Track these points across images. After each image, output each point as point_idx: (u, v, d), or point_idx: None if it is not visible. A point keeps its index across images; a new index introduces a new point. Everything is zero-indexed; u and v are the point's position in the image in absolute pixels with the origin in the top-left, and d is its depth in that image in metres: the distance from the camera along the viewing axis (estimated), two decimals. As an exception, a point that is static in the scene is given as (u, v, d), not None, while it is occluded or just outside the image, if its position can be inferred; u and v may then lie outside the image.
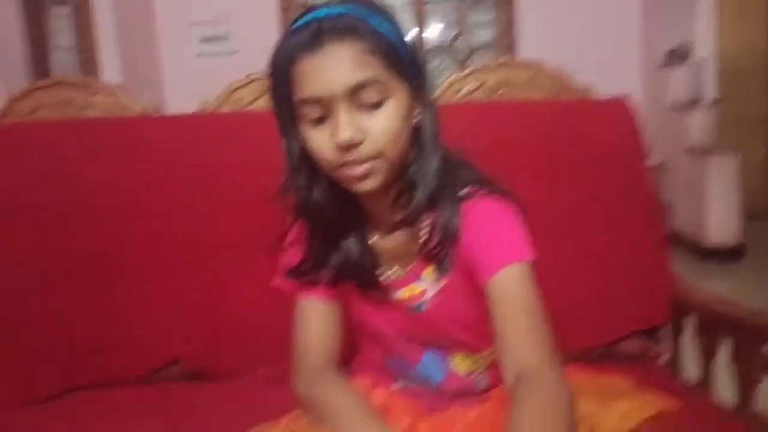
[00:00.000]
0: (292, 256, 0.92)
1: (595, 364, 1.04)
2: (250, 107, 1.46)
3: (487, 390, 0.93)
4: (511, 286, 0.78)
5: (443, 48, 4.79)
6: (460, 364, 0.93)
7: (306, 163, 0.82)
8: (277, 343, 1.12)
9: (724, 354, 1.11)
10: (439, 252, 0.85)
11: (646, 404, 0.81)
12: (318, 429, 0.81)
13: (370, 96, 0.75)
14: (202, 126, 1.38)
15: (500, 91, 1.50)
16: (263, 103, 1.45)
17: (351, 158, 0.76)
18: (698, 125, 4.10)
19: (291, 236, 0.94)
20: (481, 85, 1.50)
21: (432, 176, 0.82)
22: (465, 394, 0.93)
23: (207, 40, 4.51)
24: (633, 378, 0.95)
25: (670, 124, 4.29)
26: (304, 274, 0.90)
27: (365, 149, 0.76)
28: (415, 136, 0.82)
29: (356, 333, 0.99)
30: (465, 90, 1.48)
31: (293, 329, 0.93)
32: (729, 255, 3.89)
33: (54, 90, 1.47)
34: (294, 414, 0.87)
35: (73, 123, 1.40)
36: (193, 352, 1.28)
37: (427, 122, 0.82)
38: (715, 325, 1.14)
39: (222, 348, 1.29)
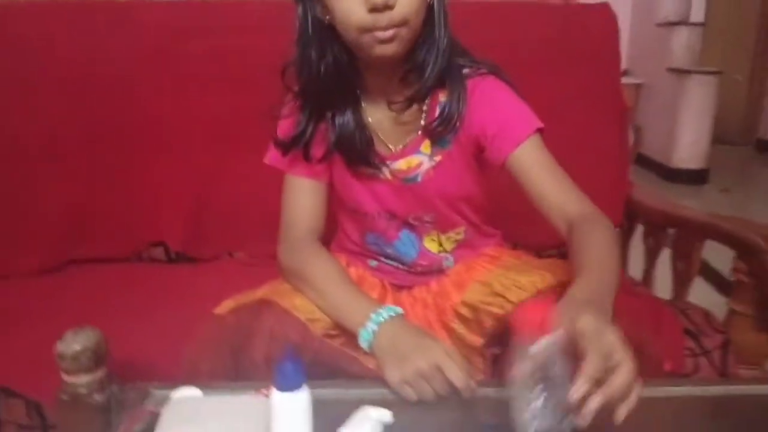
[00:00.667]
0: (287, 130, 0.95)
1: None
2: (239, -5, 1.46)
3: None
4: (538, 154, 0.89)
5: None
6: (431, 244, 1.02)
7: (317, 33, 0.85)
8: (257, 230, 1.20)
9: (666, 254, 1.22)
10: (444, 128, 0.91)
11: (548, 275, 0.86)
12: (297, 295, 0.88)
13: None
14: (193, 12, 1.38)
15: (489, -9, 1.52)
16: (251, -9, 1.46)
17: (382, 21, 0.79)
18: (683, 45, 4.12)
19: (286, 110, 0.96)
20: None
21: (442, 53, 0.87)
22: (433, 271, 1.02)
23: None
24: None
25: (656, 43, 4.30)
26: (300, 146, 0.93)
27: (396, 13, 0.79)
28: (427, 15, 0.86)
29: (338, 212, 1.05)
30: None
31: (281, 204, 0.97)
32: (695, 177, 4.03)
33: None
34: (274, 282, 0.93)
35: (63, 5, 1.39)
36: (177, 236, 1.35)
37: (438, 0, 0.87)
38: (660, 227, 1.25)
39: (204, 233, 1.37)
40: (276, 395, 0.55)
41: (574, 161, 1.37)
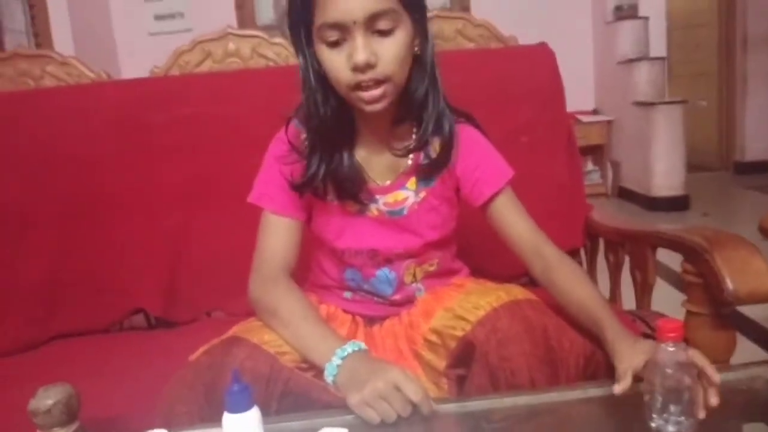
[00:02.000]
0: (276, 172, 0.99)
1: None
2: (197, 70, 1.55)
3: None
4: (513, 200, 1.03)
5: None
6: (407, 277, 1.06)
7: (319, 82, 0.92)
8: (231, 287, 1.24)
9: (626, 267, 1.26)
10: (435, 170, 1.00)
11: (503, 295, 0.91)
12: (267, 331, 0.91)
13: (384, 24, 0.85)
14: (152, 87, 1.47)
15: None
16: (210, 65, 1.56)
17: (365, 78, 0.85)
18: (645, 79, 4.26)
19: (291, 157, 0.99)
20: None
21: (436, 102, 0.96)
22: (405, 302, 1.06)
23: (161, 17, 4.52)
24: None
25: (619, 79, 4.45)
26: (314, 186, 0.98)
27: (379, 72, 0.85)
28: (414, 66, 0.93)
29: (316, 250, 1.09)
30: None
31: (257, 240, 1.00)
32: (675, 204, 4.10)
33: (9, 63, 1.55)
34: (244, 321, 0.97)
35: (30, 92, 1.48)
36: (155, 302, 1.39)
37: (427, 51, 0.94)
38: (618, 243, 1.29)
39: (181, 297, 1.40)
40: (226, 418, 0.57)
41: (531, 190, 1.44)
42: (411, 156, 1.00)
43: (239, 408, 0.58)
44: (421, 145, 0.98)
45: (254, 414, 0.58)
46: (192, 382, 0.84)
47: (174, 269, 1.39)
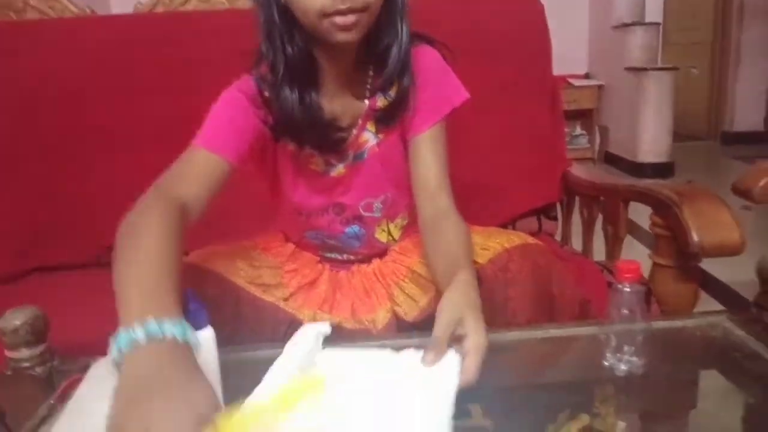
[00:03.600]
0: (227, 117, 0.90)
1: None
2: (182, 8, 1.53)
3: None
4: (440, 140, 0.95)
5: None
6: (381, 235, 1.05)
7: (282, 18, 0.84)
8: (209, 227, 1.25)
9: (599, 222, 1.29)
10: (395, 116, 0.94)
11: (514, 238, 0.93)
12: (217, 254, 0.88)
13: None
14: (134, 25, 1.45)
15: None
16: (194, 4, 1.53)
17: (344, 6, 0.78)
18: (639, 45, 4.24)
19: (236, 94, 0.91)
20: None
21: (404, 44, 0.89)
22: (374, 255, 1.05)
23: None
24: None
25: (613, 43, 4.42)
26: (282, 125, 0.89)
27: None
28: (385, 4, 0.86)
29: (277, 215, 1.06)
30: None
31: (174, 163, 0.89)
32: (660, 171, 4.13)
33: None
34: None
35: (10, 25, 1.46)
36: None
37: None
38: (592, 198, 1.32)
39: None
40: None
41: (512, 143, 1.47)
42: (368, 95, 0.95)
43: (195, 327, 0.58)
44: (387, 87, 0.93)
45: (208, 333, 0.59)
46: None
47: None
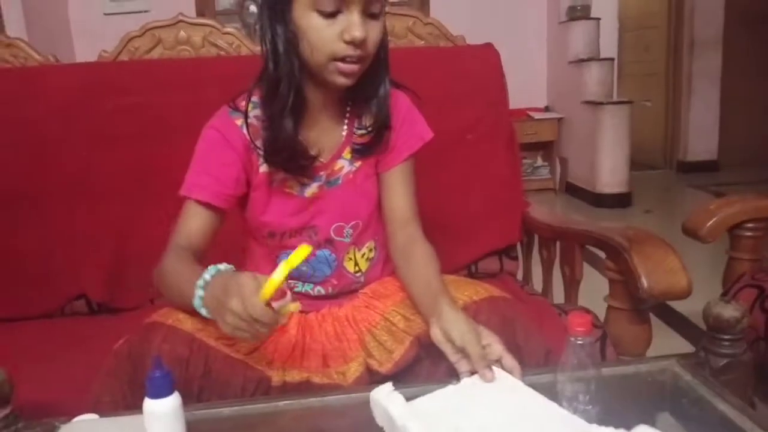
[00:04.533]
0: (212, 154, 0.99)
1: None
2: (147, 56, 1.55)
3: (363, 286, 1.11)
4: (410, 173, 1.08)
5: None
6: (348, 263, 1.09)
7: (289, 51, 0.92)
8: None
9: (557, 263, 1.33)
10: (374, 148, 1.04)
11: (481, 290, 0.98)
12: (180, 311, 0.90)
13: (376, 7, 0.90)
14: (99, 73, 1.47)
15: (385, 40, 1.65)
16: (160, 52, 1.55)
17: (353, 54, 0.90)
18: (595, 79, 4.38)
19: (217, 132, 0.99)
20: (365, 35, 1.64)
21: (387, 89, 1.02)
22: (345, 292, 1.09)
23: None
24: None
25: (571, 78, 4.56)
26: (279, 149, 0.97)
27: (365, 50, 0.91)
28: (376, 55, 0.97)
29: (249, 241, 1.11)
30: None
31: (174, 227, 0.99)
32: (619, 201, 4.24)
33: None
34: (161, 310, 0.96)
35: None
36: (98, 288, 1.39)
37: (386, 41, 1.00)
38: (551, 239, 1.36)
39: (124, 283, 1.41)
40: (147, 403, 0.60)
41: (472, 186, 1.51)
42: (345, 126, 1.04)
43: (159, 393, 0.60)
44: (379, 128, 1.03)
45: (174, 399, 0.61)
46: (115, 370, 0.87)
47: (118, 256, 1.40)
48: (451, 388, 0.77)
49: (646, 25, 5.84)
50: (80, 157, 1.38)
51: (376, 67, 0.99)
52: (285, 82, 0.94)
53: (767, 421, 0.74)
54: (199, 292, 0.83)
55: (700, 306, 0.91)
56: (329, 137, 1.04)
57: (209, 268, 0.84)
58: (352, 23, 0.88)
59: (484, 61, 1.58)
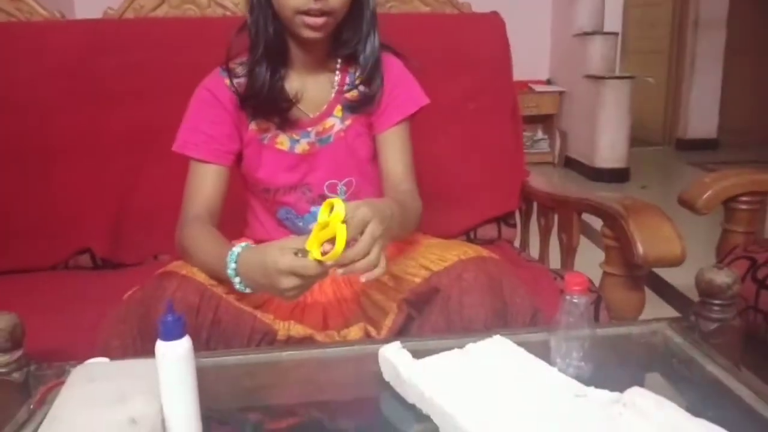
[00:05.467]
0: (202, 116, 1.04)
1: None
2: (152, 14, 1.55)
3: None
4: (406, 136, 1.09)
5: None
6: None
7: (267, 3, 0.98)
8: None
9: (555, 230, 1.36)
10: (364, 105, 1.06)
11: (469, 251, 0.99)
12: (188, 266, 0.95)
13: None
14: (104, 30, 1.47)
15: (389, 5, 1.65)
16: (165, 10, 1.55)
17: (315, 7, 0.92)
18: (598, 53, 4.36)
19: (207, 88, 1.05)
20: (370, -2, 1.63)
21: (377, 47, 1.04)
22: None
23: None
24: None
25: (574, 51, 4.54)
26: (264, 95, 1.02)
27: (328, 4, 0.93)
28: (354, 7, 1.00)
29: (249, 197, 1.14)
30: None
31: (184, 189, 1.04)
32: (616, 176, 4.26)
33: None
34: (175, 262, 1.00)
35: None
36: (101, 243, 1.41)
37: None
38: (549, 207, 1.39)
39: (128, 239, 1.43)
40: (159, 345, 0.62)
41: (473, 154, 1.52)
42: (336, 84, 1.07)
43: (171, 336, 0.62)
44: (363, 83, 1.05)
45: (186, 342, 0.63)
46: (125, 316, 0.89)
47: (122, 212, 1.42)
48: (456, 351, 0.79)
49: (652, 2, 5.79)
50: (84, 113, 1.39)
51: (359, 22, 1.02)
52: (260, 33, 0.99)
53: (754, 382, 0.77)
54: (232, 265, 0.86)
55: (693, 278, 0.93)
56: (316, 92, 1.06)
57: (236, 246, 0.88)
58: None
59: (490, 30, 1.58)
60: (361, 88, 1.06)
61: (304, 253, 0.80)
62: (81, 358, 0.89)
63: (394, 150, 1.08)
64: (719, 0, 5.26)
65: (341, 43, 1.04)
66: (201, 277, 0.91)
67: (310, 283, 0.83)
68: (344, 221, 0.78)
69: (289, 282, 0.80)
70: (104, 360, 0.78)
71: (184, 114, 1.08)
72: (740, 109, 5.41)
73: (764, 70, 5.19)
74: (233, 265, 0.86)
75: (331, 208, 0.80)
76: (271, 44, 1.00)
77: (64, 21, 1.54)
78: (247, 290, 0.88)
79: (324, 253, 0.78)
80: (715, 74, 5.39)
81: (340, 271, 0.79)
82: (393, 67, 1.09)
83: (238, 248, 0.87)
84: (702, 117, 5.48)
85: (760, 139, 5.29)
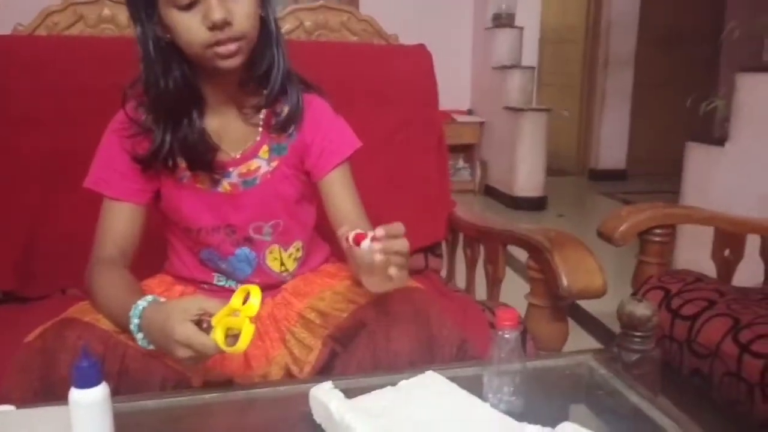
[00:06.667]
0: (138, 147, 0.98)
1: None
2: (67, 32, 1.47)
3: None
4: (349, 177, 1.06)
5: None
6: (273, 263, 1.08)
7: (159, 52, 0.92)
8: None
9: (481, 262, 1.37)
10: (283, 132, 1.02)
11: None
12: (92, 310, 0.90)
13: None
14: (14, 47, 1.38)
15: (317, 32, 1.64)
16: (81, 28, 1.48)
17: (223, 36, 0.87)
18: (516, 86, 4.53)
19: (130, 130, 0.98)
20: (299, 25, 1.62)
21: (283, 63, 0.99)
22: (267, 288, 1.06)
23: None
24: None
25: (493, 83, 4.70)
26: (160, 158, 0.97)
27: (234, 29, 0.88)
28: (261, 31, 0.95)
29: (169, 235, 1.09)
30: (284, 29, 1.60)
31: (97, 226, 1.00)
32: (534, 204, 4.41)
33: None
34: (80, 303, 0.95)
35: None
36: (5, 276, 1.31)
37: (270, 15, 0.97)
38: (474, 239, 1.40)
39: (34, 271, 1.33)
40: (74, 393, 0.58)
41: (400, 184, 1.53)
42: (261, 126, 1.03)
43: (86, 383, 0.58)
44: (270, 103, 1.01)
45: (103, 389, 0.59)
46: (26, 366, 0.84)
47: (28, 243, 1.32)
48: (388, 389, 0.78)
49: (566, 39, 6.09)
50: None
51: (264, 43, 0.97)
52: (158, 87, 0.94)
53: (673, 411, 0.80)
54: (135, 320, 0.82)
55: (609, 306, 0.96)
56: (236, 130, 1.02)
57: (142, 299, 0.84)
58: (209, 7, 0.86)
59: (417, 62, 1.60)
60: (283, 113, 1.02)
61: (209, 324, 0.77)
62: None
63: (342, 192, 1.05)
64: (627, 39, 5.58)
65: (254, 69, 0.99)
66: (105, 324, 0.87)
67: (206, 359, 0.80)
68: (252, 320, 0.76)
69: (184, 352, 0.77)
70: (9, 408, 0.71)
71: (100, 139, 1.03)
72: (647, 142, 5.73)
73: (669, 106, 5.51)
74: (136, 321, 0.82)
75: (246, 296, 0.77)
76: (169, 94, 0.94)
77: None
78: (150, 347, 0.83)
79: (228, 343, 0.76)
80: (623, 109, 5.70)
81: (377, 246, 0.76)
82: (322, 110, 1.07)
83: (143, 302, 0.83)
84: (612, 149, 5.77)
85: (665, 170, 5.61)
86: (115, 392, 0.80)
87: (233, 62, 0.91)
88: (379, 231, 0.76)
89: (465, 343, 0.97)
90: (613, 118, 5.72)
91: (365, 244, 0.77)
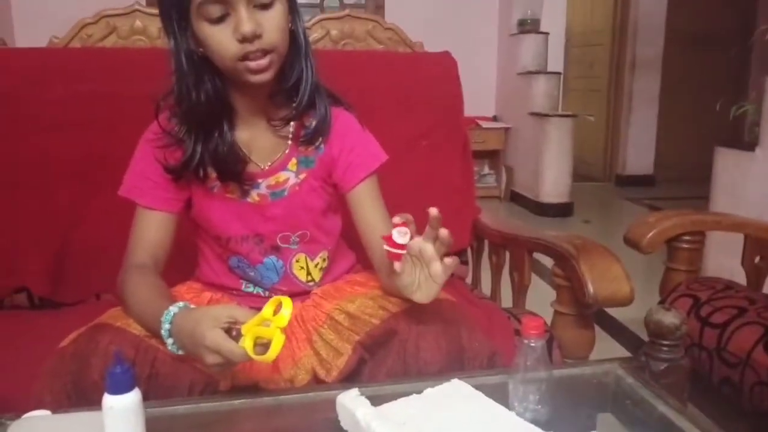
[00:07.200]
0: (171, 157, 1.00)
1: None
2: (100, 44, 1.51)
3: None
4: (376, 190, 1.07)
5: (315, 4, 4.85)
6: (300, 272, 1.09)
7: (192, 65, 0.94)
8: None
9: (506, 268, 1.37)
10: (311, 145, 1.04)
11: None
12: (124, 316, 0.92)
13: None
14: (50, 59, 1.42)
15: (343, 42, 1.66)
16: (114, 40, 1.52)
17: (253, 49, 0.89)
18: (542, 92, 4.51)
19: (164, 140, 1.00)
20: (326, 35, 1.65)
21: (311, 75, 1.00)
22: (294, 295, 1.07)
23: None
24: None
25: (519, 89, 4.68)
26: (191, 168, 0.99)
27: (264, 41, 0.89)
28: (291, 43, 0.97)
29: (199, 242, 1.11)
30: (311, 38, 1.62)
31: (130, 233, 1.02)
32: (560, 210, 4.38)
33: None
34: (112, 309, 0.97)
35: None
36: (40, 281, 1.34)
37: (299, 27, 0.98)
38: (500, 245, 1.40)
39: (68, 277, 1.36)
40: (107, 399, 0.59)
41: (425, 191, 1.53)
42: (290, 139, 1.04)
43: (119, 389, 0.59)
44: (298, 115, 1.02)
45: (135, 395, 0.60)
46: (58, 371, 0.85)
47: (63, 249, 1.35)
48: (414, 396, 0.79)
49: (592, 43, 6.04)
50: (27, 144, 1.33)
51: (293, 56, 0.98)
52: (191, 100, 0.96)
53: (702, 420, 0.79)
54: (166, 325, 0.84)
55: (636, 313, 0.95)
56: (266, 141, 1.04)
57: (173, 306, 0.86)
58: (239, 20, 0.88)
59: (442, 69, 1.61)
60: (311, 126, 1.04)
61: (238, 332, 0.78)
62: (18, 410, 0.84)
63: (371, 203, 1.06)
64: (654, 42, 5.52)
65: (283, 81, 1.00)
66: (136, 329, 0.89)
67: (234, 365, 0.82)
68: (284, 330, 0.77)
69: (213, 359, 0.79)
70: (45, 413, 0.73)
71: (131, 147, 1.05)
72: (674, 146, 5.65)
73: (697, 109, 5.44)
74: (167, 326, 0.84)
75: (278, 307, 0.78)
76: (200, 106, 0.96)
77: (7, 49, 1.49)
78: (180, 352, 0.85)
79: (257, 351, 0.77)
80: (650, 113, 5.63)
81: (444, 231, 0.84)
82: (350, 124, 1.08)
83: (174, 308, 0.85)
84: (639, 154, 5.70)
85: (694, 175, 5.52)
86: (145, 396, 0.82)
87: (264, 77, 0.93)
88: (396, 219, 0.83)
89: (495, 355, 0.96)
90: (640, 122, 5.66)
91: (398, 236, 0.84)
